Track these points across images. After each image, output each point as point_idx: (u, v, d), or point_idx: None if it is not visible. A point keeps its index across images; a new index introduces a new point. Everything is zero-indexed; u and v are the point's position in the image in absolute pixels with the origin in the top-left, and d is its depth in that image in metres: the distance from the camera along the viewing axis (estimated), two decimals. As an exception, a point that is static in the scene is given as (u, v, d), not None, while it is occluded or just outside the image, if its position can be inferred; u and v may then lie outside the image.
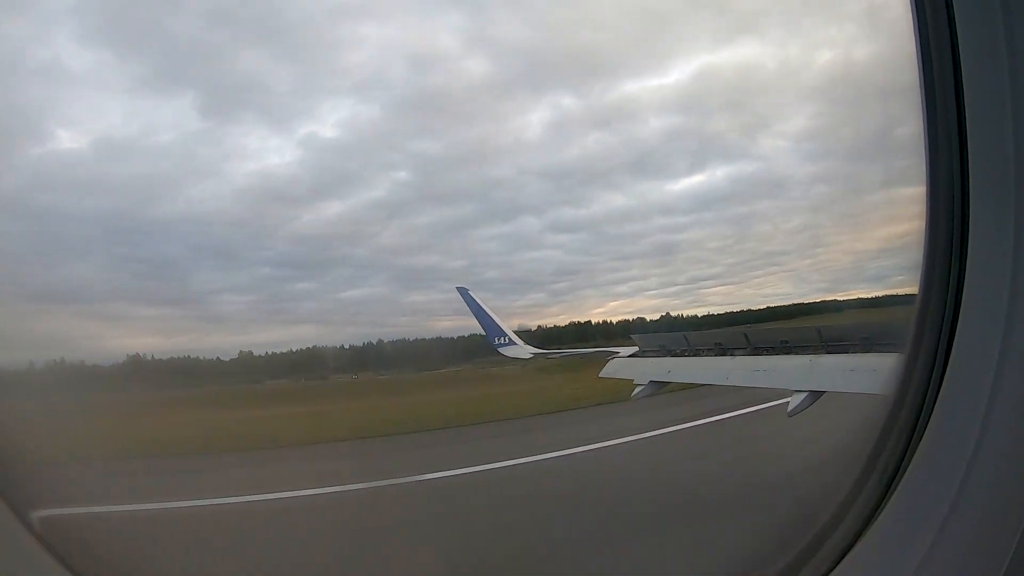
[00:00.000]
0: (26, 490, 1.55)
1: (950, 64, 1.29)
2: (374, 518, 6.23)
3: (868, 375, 3.90)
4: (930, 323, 1.38)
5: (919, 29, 1.35)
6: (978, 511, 1.20)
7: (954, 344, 1.31)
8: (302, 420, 11.98)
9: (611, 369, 7.09)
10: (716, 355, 6.10)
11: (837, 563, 1.46)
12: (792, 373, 4.79)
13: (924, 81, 1.36)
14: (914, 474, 1.36)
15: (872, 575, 1.40)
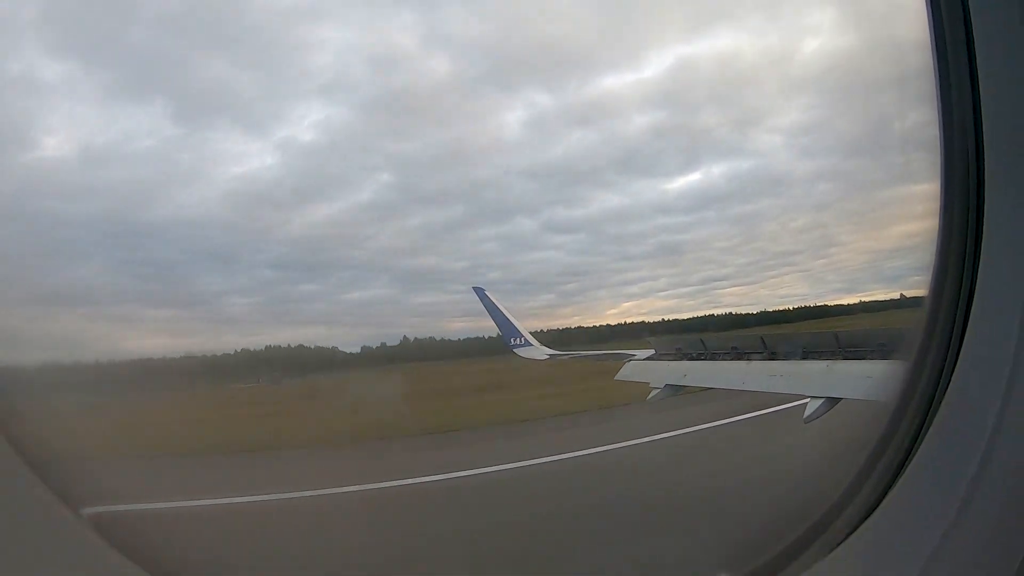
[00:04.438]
0: (74, 487, 1.58)
1: (964, 55, 1.23)
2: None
3: (885, 383, 3.88)
4: (940, 323, 1.35)
5: (933, 17, 1.29)
6: (985, 513, 1.18)
7: (963, 346, 1.28)
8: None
9: (627, 372, 7.11)
10: (732, 359, 6.10)
11: (829, 553, 1.46)
12: (809, 379, 4.76)
13: (938, 73, 1.30)
14: (914, 476, 1.35)
15: (868, 567, 1.40)
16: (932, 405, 1.36)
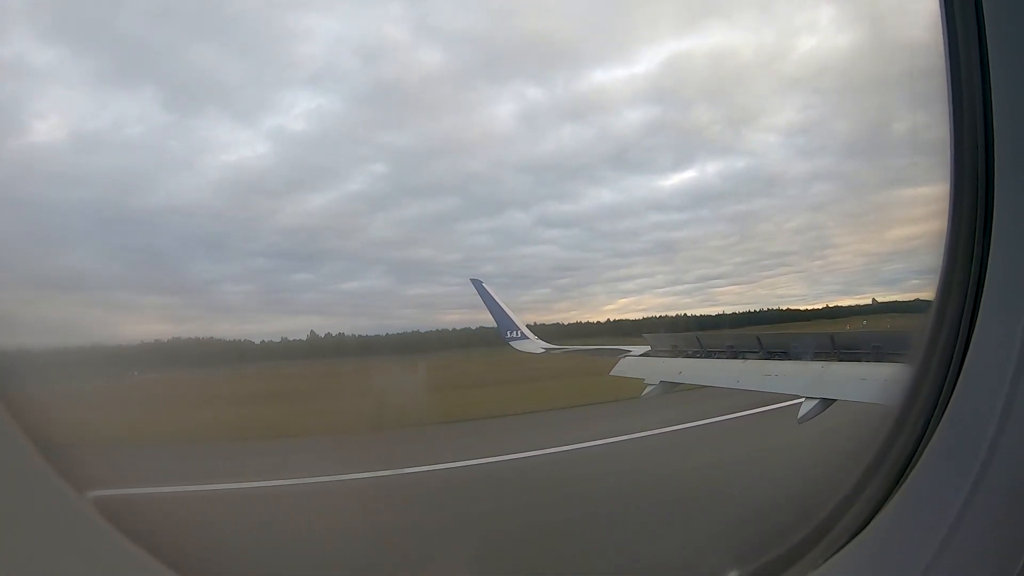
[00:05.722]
0: (81, 471, 1.56)
1: (977, 58, 1.20)
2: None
3: (879, 385, 3.89)
4: (946, 327, 1.33)
5: (946, 20, 1.26)
6: (985, 519, 1.17)
7: (969, 350, 1.26)
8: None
9: (622, 368, 7.12)
10: (728, 357, 6.10)
11: (832, 556, 1.46)
12: (803, 379, 4.77)
13: (950, 76, 1.27)
14: (917, 480, 1.34)
15: (871, 570, 1.40)
16: (937, 408, 1.35)
